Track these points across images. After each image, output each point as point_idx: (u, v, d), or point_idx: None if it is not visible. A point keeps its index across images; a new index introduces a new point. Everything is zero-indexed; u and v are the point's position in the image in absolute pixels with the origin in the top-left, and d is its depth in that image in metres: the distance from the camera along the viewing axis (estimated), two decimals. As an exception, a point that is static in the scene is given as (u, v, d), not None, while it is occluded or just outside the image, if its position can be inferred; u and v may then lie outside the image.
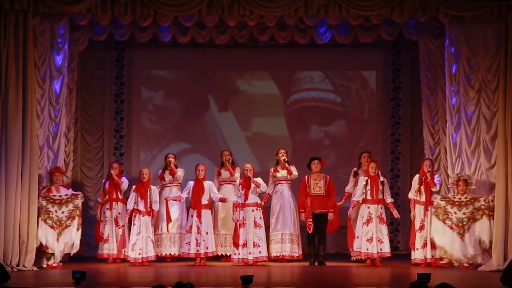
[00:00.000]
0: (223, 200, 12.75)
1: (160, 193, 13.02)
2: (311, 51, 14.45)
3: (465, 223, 11.99)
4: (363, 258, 12.49)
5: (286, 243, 12.85)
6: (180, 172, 13.13)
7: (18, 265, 11.62)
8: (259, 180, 12.63)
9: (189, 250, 12.49)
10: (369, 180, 12.52)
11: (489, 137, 12.16)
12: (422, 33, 13.22)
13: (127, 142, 14.69)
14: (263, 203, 12.74)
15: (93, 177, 14.27)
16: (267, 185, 12.85)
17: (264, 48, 14.39)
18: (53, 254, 12.12)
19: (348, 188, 13.04)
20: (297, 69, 14.84)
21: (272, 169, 13.10)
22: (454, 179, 12.40)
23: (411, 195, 12.59)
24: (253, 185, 12.52)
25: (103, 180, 13.37)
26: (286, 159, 13.00)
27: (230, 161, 13.24)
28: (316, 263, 12.59)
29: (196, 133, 14.74)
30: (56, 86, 12.41)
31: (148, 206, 12.55)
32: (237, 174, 13.14)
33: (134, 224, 12.54)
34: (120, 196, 12.91)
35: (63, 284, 9.92)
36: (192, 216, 12.53)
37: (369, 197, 12.43)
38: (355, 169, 13.08)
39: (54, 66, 12.35)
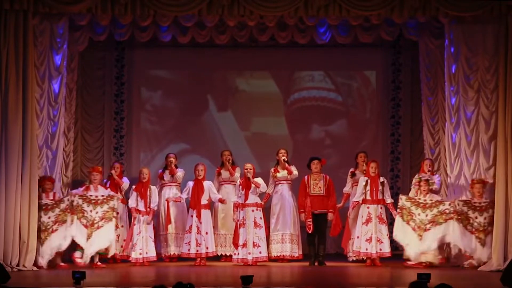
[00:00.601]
0: (222, 201, 12.75)
1: (160, 193, 13.02)
2: (311, 51, 14.46)
3: (425, 224, 11.97)
4: (364, 258, 12.49)
5: (286, 243, 12.85)
6: (179, 173, 13.13)
7: (18, 265, 11.61)
8: (259, 180, 12.62)
9: (189, 250, 12.48)
10: (369, 181, 12.52)
11: (487, 137, 12.16)
12: (422, 33, 13.22)
13: (127, 142, 14.70)
14: (263, 203, 12.74)
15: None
16: (267, 185, 12.86)
17: (264, 48, 14.39)
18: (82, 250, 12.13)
19: (346, 189, 13.04)
20: (297, 69, 14.85)
21: (272, 169, 13.10)
22: (416, 180, 12.38)
23: (411, 195, 12.58)
24: (253, 185, 12.53)
25: (104, 180, 13.35)
26: (286, 159, 12.99)
27: (230, 161, 13.24)
28: (316, 263, 12.59)
29: (196, 133, 14.75)
30: (55, 86, 12.41)
31: (148, 206, 12.55)
32: (237, 174, 13.14)
33: (134, 224, 12.55)
34: (120, 196, 12.90)
35: (63, 284, 9.92)
36: (192, 216, 12.53)
37: (368, 197, 12.43)
38: (352, 169, 13.08)
39: (53, 65, 12.35)
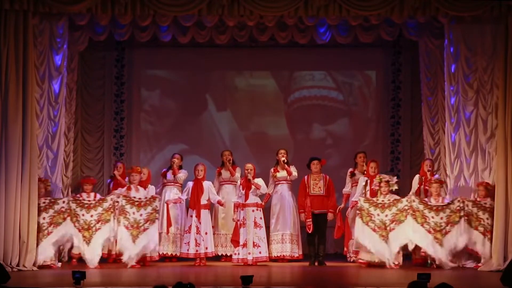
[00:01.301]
0: (220, 203, 12.74)
1: (161, 192, 13.02)
2: (311, 51, 14.45)
3: (387, 224, 11.97)
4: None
5: (286, 243, 12.85)
6: (181, 174, 13.12)
7: (18, 265, 11.61)
8: (259, 181, 12.63)
9: (188, 250, 12.49)
10: (368, 181, 12.52)
11: (485, 138, 12.16)
12: (422, 33, 13.22)
13: (127, 142, 14.70)
14: (263, 203, 12.75)
15: (93, 177, 14.27)
16: (267, 185, 12.86)
17: (264, 48, 14.39)
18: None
19: (346, 190, 13.05)
20: (297, 69, 14.86)
21: (272, 169, 13.11)
22: (376, 181, 12.39)
23: (411, 195, 12.57)
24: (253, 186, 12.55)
25: (108, 181, 13.39)
26: (286, 160, 12.99)
27: (231, 161, 13.24)
28: (316, 263, 12.59)
29: (195, 133, 14.75)
30: (55, 86, 12.42)
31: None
32: (237, 174, 13.14)
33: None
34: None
35: (63, 284, 9.91)
36: (191, 216, 12.53)
37: (368, 197, 12.42)
38: (351, 169, 13.08)
39: (53, 66, 12.36)
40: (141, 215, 12.05)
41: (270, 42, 13.94)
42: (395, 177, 12.73)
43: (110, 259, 12.73)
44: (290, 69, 14.88)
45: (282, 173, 13.02)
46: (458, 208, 11.94)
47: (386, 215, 11.98)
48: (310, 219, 12.54)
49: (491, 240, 11.84)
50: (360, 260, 12.18)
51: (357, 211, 12.12)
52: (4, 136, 11.68)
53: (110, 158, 14.47)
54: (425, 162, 12.91)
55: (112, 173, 13.23)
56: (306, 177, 12.88)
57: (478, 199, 12.10)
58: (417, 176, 12.77)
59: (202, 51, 14.49)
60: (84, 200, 12.10)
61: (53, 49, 12.31)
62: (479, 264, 11.96)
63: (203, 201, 12.55)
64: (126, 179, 13.06)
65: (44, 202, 11.98)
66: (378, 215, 12.00)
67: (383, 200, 12.10)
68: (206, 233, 12.48)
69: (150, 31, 13.23)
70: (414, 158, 14.46)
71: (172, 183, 13.12)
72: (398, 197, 12.25)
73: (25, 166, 11.70)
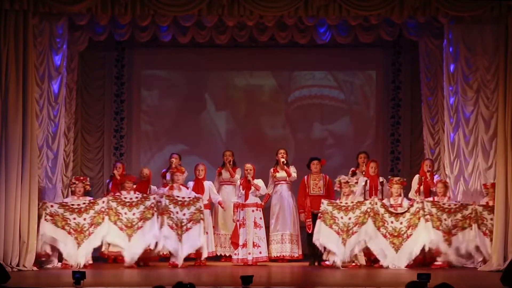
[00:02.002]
0: (221, 205, 12.75)
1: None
2: (311, 51, 14.45)
3: (350, 227, 11.95)
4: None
5: (286, 243, 12.85)
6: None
7: (18, 265, 11.61)
8: (259, 182, 12.63)
9: (188, 250, 12.48)
10: (368, 180, 12.52)
11: (488, 137, 12.15)
12: (422, 33, 13.22)
13: (127, 142, 14.70)
14: (263, 204, 12.75)
15: (93, 177, 14.27)
16: (267, 186, 12.86)
17: (264, 48, 14.38)
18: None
19: None
20: (297, 69, 14.85)
21: (271, 170, 13.10)
22: (337, 182, 12.37)
23: (411, 195, 12.58)
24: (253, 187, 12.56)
25: (107, 181, 13.38)
26: (286, 161, 12.98)
27: (231, 162, 13.23)
28: (316, 263, 12.58)
29: (195, 133, 14.74)
30: (55, 86, 12.41)
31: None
32: (237, 176, 13.13)
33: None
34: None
35: (63, 284, 9.91)
36: (192, 216, 12.52)
37: (368, 197, 12.42)
38: (353, 168, 13.09)
39: (53, 66, 12.35)
40: (184, 214, 12.03)
41: (270, 42, 13.94)
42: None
43: (110, 259, 12.74)
44: (290, 69, 14.87)
45: (281, 173, 13.02)
46: (417, 209, 11.94)
47: (350, 218, 11.97)
48: (310, 219, 12.54)
49: (449, 242, 11.85)
50: (327, 262, 12.17)
51: (320, 214, 12.11)
52: (4, 136, 11.68)
53: (110, 158, 14.46)
54: (425, 162, 12.91)
55: (111, 173, 13.22)
56: (306, 177, 12.89)
57: (437, 199, 12.16)
58: (417, 176, 12.77)
59: (202, 51, 14.48)
60: (126, 198, 12.07)
61: (52, 49, 12.31)
62: (437, 263, 12.01)
63: (204, 201, 12.54)
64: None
65: (84, 203, 12.01)
66: (341, 218, 11.98)
67: (346, 203, 12.06)
68: (206, 233, 12.47)
69: (150, 31, 13.23)
70: (414, 158, 14.46)
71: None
72: (361, 199, 12.25)
73: (25, 166, 11.70)
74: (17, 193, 11.63)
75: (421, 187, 12.65)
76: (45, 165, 12.32)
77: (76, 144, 14.04)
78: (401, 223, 11.93)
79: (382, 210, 11.95)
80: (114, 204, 11.98)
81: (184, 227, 12.01)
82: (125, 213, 11.95)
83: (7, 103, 11.71)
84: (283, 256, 12.86)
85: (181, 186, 12.48)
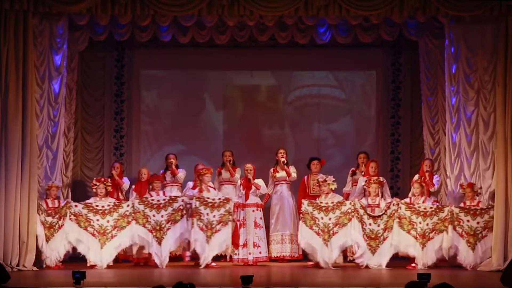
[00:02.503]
0: None
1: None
2: (311, 51, 14.45)
3: (330, 228, 11.94)
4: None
5: (286, 243, 12.84)
6: (181, 173, 13.13)
7: (18, 265, 11.62)
8: (259, 182, 12.64)
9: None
10: (367, 180, 12.52)
11: (486, 137, 12.15)
12: (422, 33, 13.22)
13: (127, 142, 14.69)
14: (263, 204, 12.75)
15: (93, 177, 14.21)
16: (267, 186, 12.86)
17: (264, 48, 14.38)
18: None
19: (346, 189, 13.04)
20: (297, 69, 14.84)
21: (271, 170, 13.10)
22: (316, 181, 12.35)
23: (411, 195, 12.57)
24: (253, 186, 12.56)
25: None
26: (286, 161, 12.98)
27: (231, 161, 13.23)
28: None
29: (196, 133, 14.73)
30: (55, 86, 12.42)
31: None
32: (237, 175, 13.12)
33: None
34: (121, 196, 12.89)
35: (63, 284, 9.92)
36: (192, 216, 12.52)
37: (312, 200, 12.42)
38: (353, 168, 13.08)
39: (53, 66, 12.36)
40: (214, 216, 12.00)
41: (270, 42, 13.93)
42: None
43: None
44: (290, 69, 14.87)
45: (281, 173, 13.02)
46: (393, 212, 11.95)
47: (330, 219, 11.95)
48: (310, 219, 12.53)
49: (423, 245, 11.83)
50: (309, 263, 12.17)
51: (301, 215, 12.10)
52: (4, 136, 11.68)
53: (110, 158, 14.45)
54: (424, 162, 12.91)
55: (110, 173, 13.21)
56: (306, 177, 12.90)
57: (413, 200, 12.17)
58: (416, 176, 12.76)
59: (202, 51, 14.47)
60: (153, 200, 12.06)
61: (53, 49, 12.31)
62: (413, 265, 12.01)
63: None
64: (124, 178, 13.09)
65: (108, 205, 12.01)
66: (322, 218, 11.96)
67: (327, 203, 12.06)
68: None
69: (150, 31, 13.23)
70: (414, 158, 14.44)
71: (172, 184, 13.12)
72: (340, 198, 12.25)
73: (25, 166, 11.71)
74: (17, 193, 11.64)
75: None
76: (45, 165, 12.32)
77: (76, 144, 14.03)
78: (378, 225, 11.94)
79: (361, 212, 11.95)
80: (141, 207, 11.96)
81: (214, 229, 11.99)
82: (153, 215, 11.95)
83: (7, 103, 11.71)
84: (283, 256, 12.85)
85: (209, 187, 12.46)
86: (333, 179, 12.37)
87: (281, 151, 13.11)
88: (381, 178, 12.62)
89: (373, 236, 11.92)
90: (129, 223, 11.93)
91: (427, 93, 13.63)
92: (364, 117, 14.84)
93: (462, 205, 12.10)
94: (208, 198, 12.12)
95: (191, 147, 14.68)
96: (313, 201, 12.19)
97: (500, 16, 11.90)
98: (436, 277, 9.38)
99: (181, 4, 11.87)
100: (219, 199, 12.15)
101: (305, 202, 12.08)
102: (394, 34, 13.32)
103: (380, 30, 13.18)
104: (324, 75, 14.89)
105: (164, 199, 12.07)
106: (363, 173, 12.76)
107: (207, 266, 12.04)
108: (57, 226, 11.88)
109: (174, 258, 12.92)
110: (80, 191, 13.74)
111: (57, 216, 11.91)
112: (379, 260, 11.92)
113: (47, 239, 11.84)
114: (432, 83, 13.53)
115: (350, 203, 11.98)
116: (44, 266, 11.92)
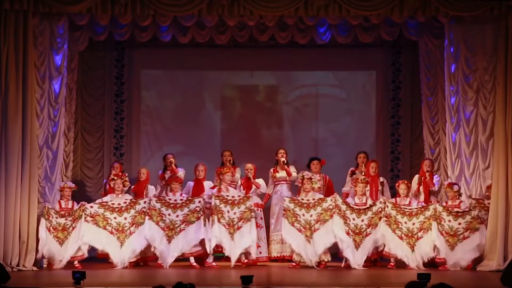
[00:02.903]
0: None
1: (161, 193, 13.00)
2: (311, 51, 14.45)
3: (312, 224, 11.95)
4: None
5: (286, 243, 12.83)
6: (181, 172, 13.11)
7: (18, 265, 11.62)
8: (260, 181, 12.65)
9: (188, 250, 12.47)
10: (368, 180, 12.53)
11: (485, 137, 12.16)
12: (422, 33, 13.23)
13: (127, 142, 14.70)
14: (263, 204, 12.74)
15: (93, 177, 14.29)
16: (267, 185, 12.86)
17: (264, 48, 14.38)
18: (223, 255, 12.15)
19: (345, 189, 13.04)
20: (297, 69, 14.85)
21: (271, 170, 13.10)
22: (299, 178, 12.35)
23: (411, 195, 12.57)
24: (254, 185, 12.54)
25: (104, 181, 13.36)
26: (286, 161, 12.98)
27: (231, 161, 13.23)
28: (316, 263, 12.57)
29: (196, 133, 14.74)
30: (56, 86, 12.42)
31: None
32: (237, 175, 13.12)
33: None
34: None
35: (63, 284, 9.92)
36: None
37: (369, 197, 12.42)
38: (352, 168, 13.09)
39: (54, 66, 12.36)
40: (234, 213, 12.01)
41: (270, 42, 13.93)
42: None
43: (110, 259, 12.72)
44: (290, 69, 14.87)
45: (281, 173, 13.02)
46: (380, 209, 11.94)
47: (311, 215, 11.95)
48: (310, 219, 12.53)
49: (412, 245, 11.83)
50: (293, 263, 12.15)
51: (283, 212, 12.10)
52: (4, 136, 11.69)
53: (110, 158, 14.46)
54: (424, 162, 12.90)
55: (109, 173, 13.21)
56: (306, 177, 12.89)
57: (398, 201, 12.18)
58: (416, 176, 12.76)
59: (202, 51, 14.48)
60: (170, 199, 12.07)
61: (53, 49, 12.31)
62: (391, 264, 12.03)
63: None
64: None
65: (125, 202, 12.02)
66: (303, 215, 11.97)
67: (308, 200, 12.06)
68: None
69: (150, 31, 13.23)
70: (414, 158, 14.45)
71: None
72: (321, 196, 12.23)
73: (25, 166, 11.71)
74: (17, 193, 11.64)
75: (421, 187, 12.63)
76: (45, 165, 12.31)
77: (76, 144, 14.04)
78: (362, 220, 11.92)
79: (344, 207, 11.95)
80: (158, 205, 11.98)
81: (236, 226, 11.99)
82: (169, 214, 11.97)
83: (7, 103, 11.72)
84: (283, 256, 12.84)
85: (228, 187, 12.44)
86: (319, 178, 12.36)
87: (281, 151, 13.11)
88: (381, 179, 12.64)
89: (357, 231, 11.91)
90: (145, 219, 11.95)
91: (427, 93, 13.64)
92: (364, 117, 14.84)
93: (444, 204, 12.12)
94: (227, 196, 12.12)
95: (191, 147, 14.68)
96: (294, 198, 12.21)
97: (500, 16, 11.90)
98: (436, 277, 9.38)
99: (181, 4, 11.87)
100: (239, 196, 12.16)
101: (286, 199, 12.10)
102: (394, 34, 13.33)
103: (380, 30, 13.19)
104: (324, 75, 14.90)
105: (181, 199, 12.09)
106: (363, 173, 12.76)
107: (206, 265, 12.05)
108: (70, 228, 11.89)
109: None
110: (80, 191, 13.73)
111: (70, 218, 11.91)
112: (362, 254, 11.88)
113: (61, 242, 11.83)
114: (432, 83, 13.54)
115: (331, 199, 11.98)
116: (45, 266, 11.93)
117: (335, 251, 12.21)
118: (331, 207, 11.92)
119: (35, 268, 11.73)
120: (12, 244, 11.58)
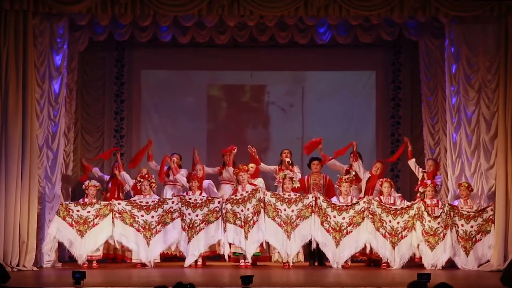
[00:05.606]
0: None
1: (162, 192, 13.02)
2: (311, 51, 14.45)
3: (293, 220, 11.93)
4: (364, 259, 12.49)
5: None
6: (183, 172, 13.10)
7: (18, 265, 11.62)
8: (260, 181, 12.65)
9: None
10: (369, 177, 12.58)
11: (489, 137, 12.15)
12: (422, 33, 13.23)
13: (127, 142, 14.69)
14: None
15: (93, 177, 14.25)
16: (268, 186, 12.88)
17: (264, 48, 14.38)
18: (240, 254, 12.11)
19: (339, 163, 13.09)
20: (297, 69, 14.85)
21: (276, 169, 13.07)
22: (280, 177, 12.35)
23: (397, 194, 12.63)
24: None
25: (107, 177, 13.38)
26: (290, 161, 12.99)
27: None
28: (316, 263, 12.58)
29: (196, 133, 14.73)
30: (55, 86, 12.42)
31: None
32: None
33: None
34: (122, 196, 12.89)
35: (63, 284, 9.92)
36: (192, 215, 12.51)
37: (362, 195, 12.44)
38: (346, 167, 13.08)
39: (54, 66, 12.36)
40: (248, 209, 11.92)
41: (270, 42, 13.94)
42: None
43: (109, 259, 12.74)
44: (290, 69, 14.87)
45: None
46: (363, 209, 11.93)
47: (293, 210, 11.94)
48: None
49: (394, 244, 11.84)
50: (286, 264, 12.11)
51: (262, 206, 12.00)
52: (4, 136, 11.69)
53: (110, 158, 14.44)
54: (428, 162, 12.94)
55: (112, 173, 13.22)
56: (306, 177, 12.90)
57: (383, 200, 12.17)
58: (420, 176, 12.75)
59: (202, 51, 14.48)
60: (190, 199, 12.07)
61: (53, 49, 12.31)
62: (383, 265, 12.02)
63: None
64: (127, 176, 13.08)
65: (153, 201, 12.04)
66: (284, 210, 11.96)
67: (289, 195, 12.05)
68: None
69: (150, 31, 13.24)
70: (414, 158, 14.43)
71: (174, 183, 13.12)
72: (304, 193, 12.23)
73: (25, 166, 11.72)
74: (17, 193, 11.65)
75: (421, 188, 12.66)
76: (45, 165, 12.31)
77: (76, 144, 14.03)
78: (343, 218, 11.92)
79: (324, 205, 11.94)
80: (179, 205, 12.00)
81: (251, 222, 11.94)
82: (189, 214, 11.97)
83: (7, 103, 11.72)
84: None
85: (247, 186, 12.37)
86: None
87: (286, 151, 13.13)
88: (352, 177, 12.59)
89: (337, 229, 11.90)
90: (173, 219, 11.97)
91: (427, 93, 13.63)
92: (364, 117, 14.83)
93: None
94: (241, 194, 12.06)
95: (191, 147, 14.65)
96: (276, 193, 12.20)
97: (500, 16, 11.91)
98: (436, 277, 9.38)
99: (181, 4, 11.88)
100: (247, 192, 12.10)
101: (268, 194, 12.08)
102: (394, 34, 13.33)
103: (380, 30, 13.19)
104: (324, 75, 14.89)
105: (201, 199, 12.09)
106: (353, 173, 12.74)
107: (204, 264, 12.06)
108: (91, 223, 11.89)
109: (172, 257, 12.93)
110: (80, 191, 13.70)
111: (94, 211, 11.90)
112: (341, 252, 11.89)
113: (82, 235, 11.84)
114: (432, 83, 13.53)
115: (313, 197, 11.97)
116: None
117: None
118: (312, 204, 11.92)
119: (35, 268, 11.73)
120: (12, 244, 11.59)
